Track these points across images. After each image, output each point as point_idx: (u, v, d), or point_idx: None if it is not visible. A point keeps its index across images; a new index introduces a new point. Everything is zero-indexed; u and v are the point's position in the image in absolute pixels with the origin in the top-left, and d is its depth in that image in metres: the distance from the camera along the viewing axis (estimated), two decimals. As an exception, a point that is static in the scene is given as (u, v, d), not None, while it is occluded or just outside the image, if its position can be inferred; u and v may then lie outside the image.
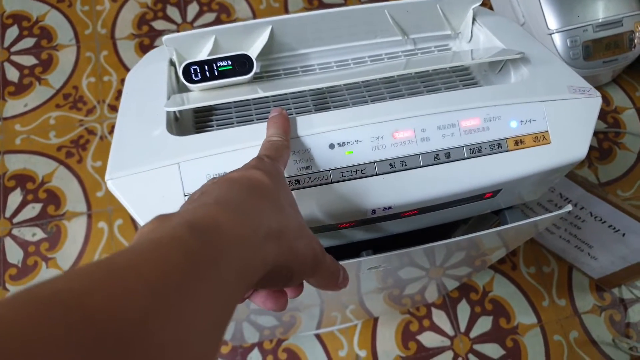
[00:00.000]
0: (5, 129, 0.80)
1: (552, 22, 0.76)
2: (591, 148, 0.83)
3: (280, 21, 0.37)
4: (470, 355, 0.71)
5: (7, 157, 0.78)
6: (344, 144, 0.31)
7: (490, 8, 0.92)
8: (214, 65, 0.33)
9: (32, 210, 0.74)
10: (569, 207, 0.34)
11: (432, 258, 0.41)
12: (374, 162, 0.31)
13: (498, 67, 0.38)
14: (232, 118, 0.37)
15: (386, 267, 0.40)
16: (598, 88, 0.87)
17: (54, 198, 0.74)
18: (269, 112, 0.36)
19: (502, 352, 0.71)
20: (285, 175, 0.31)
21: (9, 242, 0.72)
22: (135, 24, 0.90)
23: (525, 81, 0.34)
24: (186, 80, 0.33)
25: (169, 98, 0.34)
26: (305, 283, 0.26)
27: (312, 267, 0.24)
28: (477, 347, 0.71)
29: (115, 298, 0.14)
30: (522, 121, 0.32)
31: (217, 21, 0.91)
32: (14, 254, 0.71)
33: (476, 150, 0.31)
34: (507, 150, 0.32)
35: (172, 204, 0.29)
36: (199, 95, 0.34)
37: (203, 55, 0.37)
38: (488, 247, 0.43)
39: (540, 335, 0.73)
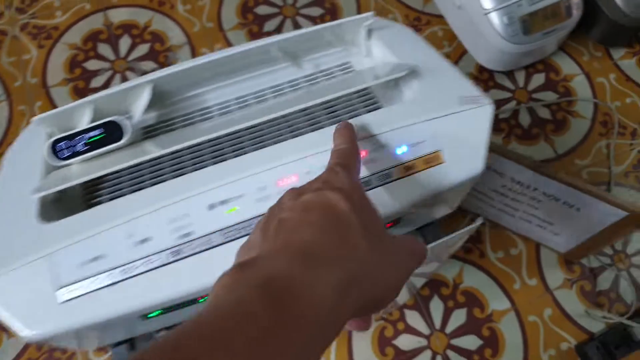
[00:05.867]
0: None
1: (487, 1, 0.75)
2: (546, 121, 0.82)
3: (161, 78, 0.35)
4: (449, 351, 0.70)
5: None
6: (224, 202, 0.30)
7: (425, -6, 0.90)
8: (84, 137, 0.32)
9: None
10: (480, 221, 0.33)
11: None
12: (259, 216, 0.30)
13: (392, 84, 0.36)
14: (123, 186, 0.35)
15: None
16: (546, 59, 0.86)
17: None
18: (163, 174, 0.35)
19: (479, 342, 0.71)
20: (163, 247, 0.29)
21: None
22: (67, 68, 0.88)
23: (415, 99, 0.33)
24: (56, 157, 0.32)
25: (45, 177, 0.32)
26: None
27: (398, 290, 0.23)
28: (454, 341, 0.71)
29: None
30: (410, 145, 0.31)
31: (152, 52, 0.89)
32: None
33: (364, 185, 0.30)
34: (398, 178, 0.30)
35: (45, 303, 0.27)
36: (77, 170, 0.33)
37: (84, 124, 0.35)
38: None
39: (516, 318, 0.72)
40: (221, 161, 0.33)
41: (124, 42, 0.90)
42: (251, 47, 0.35)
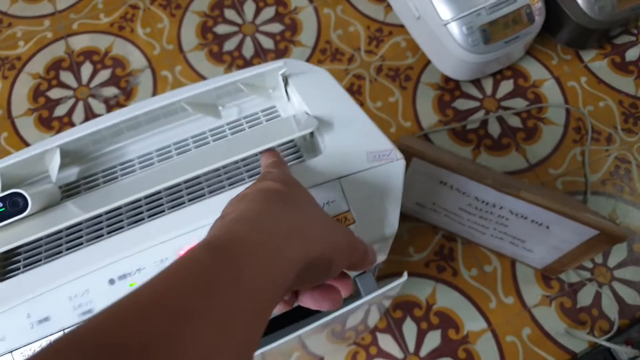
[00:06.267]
0: None
1: (445, 12, 0.73)
2: (516, 129, 0.80)
3: (67, 143, 0.34)
4: (423, 376, 0.69)
5: None
6: (124, 276, 0.28)
7: (389, 6, 0.88)
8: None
9: None
10: (405, 277, 0.31)
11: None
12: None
13: (309, 136, 0.34)
14: (40, 253, 0.34)
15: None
16: (513, 65, 0.83)
17: None
18: (81, 239, 0.34)
19: (455, 365, 0.69)
20: (63, 325, 0.28)
21: None
22: (31, 98, 0.87)
23: (327, 154, 0.31)
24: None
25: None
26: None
27: (349, 253, 0.25)
28: (428, 365, 0.69)
29: (127, 327, 0.16)
30: (323, 204, 0.29)
31: (113, 77, 0.87)
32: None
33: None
34: (306, 242, 0.29)
35: None
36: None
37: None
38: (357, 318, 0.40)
39: (493, 339, 0.70)
40: (137, 223, 0.31)
41: (86, 69, 0.88)
42: (161, 105, 0.34)
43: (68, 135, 0.35)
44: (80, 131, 0.36)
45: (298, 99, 0.35)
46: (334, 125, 0.32)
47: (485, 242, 0.73)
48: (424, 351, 0.70)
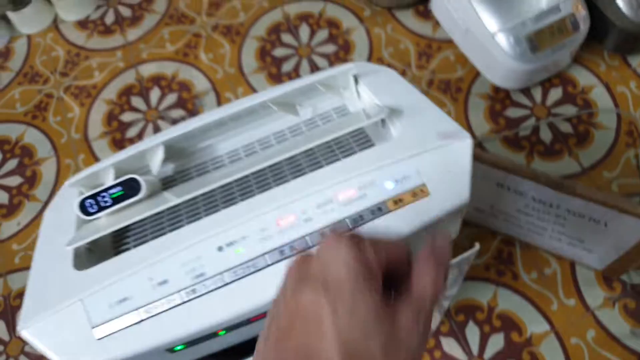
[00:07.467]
0: (3, 251, 0.85)
1: (491, 24, 0.76)
2: (568, 135, 0.81)
3: (171, 139, 0.39)
4: (488, 378, 0.69)
5: (9, 277, 0.83)
6: (231, 243, 0.32)
7: (437, 23, 0.92)
8: (107, 194, 0.35)
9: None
10: (477, 247, 0.34)
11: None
12: (264, 254, 0.32)
13: (380, 124, 0.38)
14: (146, 230, 0.39)
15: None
16: (561, 73, 0.85)
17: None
18: (180, 220, 0.38)
19: (519, 368, 0.69)
20: (180, 287, 0.32)
21: None
22: (105, 122, 0.95)
23: (399, 137, 0.35)
24: (85, 214, 0.35)
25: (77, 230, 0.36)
26: None
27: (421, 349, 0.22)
28: (492, 368, 0.69)
29: None
30: (397, 180, 0.32)
31: (180, 100, 0.95)
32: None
33: (358, 219, 0.32)
34: (389, 212, 0.32)
35: (84, 341, 0.31)
36: (104, 223, 0.37)
37: (109, 181, 0.39)
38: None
39: (557, 341, 0.70)
40: (231, 205, 0.36)
41: (154, 94, 0.97)
42: (250, 104, 0.39)
43: (169, 134, 0.40)
44: (177, 131, 0.41)
45: (368, 94, 0.39)
46: (404, 112, 0.35)
47: (543, 244, 0.73)
48: (488, 354, 0.70)
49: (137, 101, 0.97)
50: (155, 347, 0.31)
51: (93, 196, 0.36)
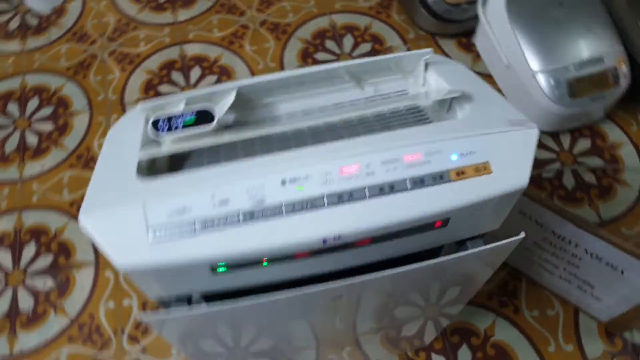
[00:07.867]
0: (24, 188, 0.86)
1: (535, 63, 0.79)
2: (591, 186, 0.83)
3: (244, 86, 0.41)
4: (476, 405, 0.68)
5: (24, 213, 0.83)
6: (295, 179, 0.33)
7: (478, 56, 0.95)
8: (180, 118, 0.36)
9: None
10: (522, 235, 0.34)
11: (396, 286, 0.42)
12: (323, 196, 0.33)
13: (446, 106, 0.40)
14: (202, 161, 0.40)
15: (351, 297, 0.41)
16: (592, 125, 0.87)
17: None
18: (236, 155, 0.39)
19: (509, 402, 0.68)
20: (239, 209, 0.32)
21: (15, 298, 0.75)
22: (143, 89, 0.97)
23: (467, 117, 0.36)
24: (157, 131, 0.36)
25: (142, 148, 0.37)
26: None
27: None
28: (482, 396, 0.68)
29: None
30: (462, 153, 0.34)
31: (218, 82, 0.97)
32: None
33: (419, 182, 0.33)
34: (450, 181, 0.33)
35: (137, 242, 0.31)
36: (168, 146, 0.38)
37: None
38: (450, 276, 0.43)
39: (550, 383, 0.69)
40: (303, 146, 0.37)
41: (195, 72, 0.99)
42: (324, 68, 0.40)
43: (241, 82, 0.42)
44: (250, 81, 0.42)
45: (437, 79, 0.41)
46: (474, 97, 0.37)
47: (551, 283, 0.74)
48: (477, 381, 0.69)
49: (177, 76, 0.99)
50: (202, 262, 0.32)
51: (168, 118, 0.38)
